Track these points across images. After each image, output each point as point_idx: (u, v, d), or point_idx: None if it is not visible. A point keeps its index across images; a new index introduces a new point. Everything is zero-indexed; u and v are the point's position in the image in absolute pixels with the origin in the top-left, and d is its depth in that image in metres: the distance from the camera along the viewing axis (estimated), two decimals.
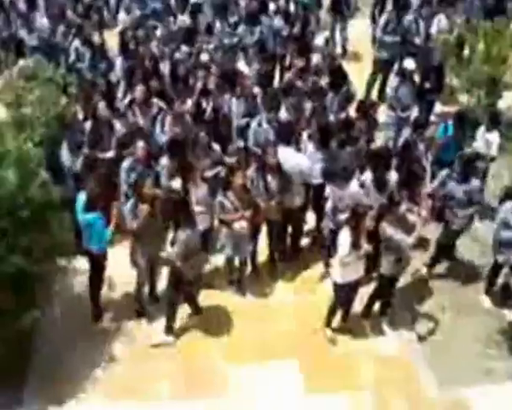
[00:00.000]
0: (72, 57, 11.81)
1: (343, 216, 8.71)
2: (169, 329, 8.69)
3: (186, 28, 12.24)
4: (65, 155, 9.56)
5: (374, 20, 14.95)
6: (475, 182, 9.31)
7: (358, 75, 13.05)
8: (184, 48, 11.73)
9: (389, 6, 14.47)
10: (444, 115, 12.22)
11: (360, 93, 12.41)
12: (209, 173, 9.52)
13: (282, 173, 9.17)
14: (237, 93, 10.64)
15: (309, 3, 14.01)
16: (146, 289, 9.15)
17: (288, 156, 9.24)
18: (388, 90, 12.28)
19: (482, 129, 10.57)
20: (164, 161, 9.37)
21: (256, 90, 10.95)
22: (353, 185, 9.06)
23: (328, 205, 9.13)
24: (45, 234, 7.76)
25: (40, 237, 7.65)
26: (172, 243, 8.23)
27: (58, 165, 9.47)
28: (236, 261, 9.37)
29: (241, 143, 10.44)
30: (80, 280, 8.94)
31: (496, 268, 9.33)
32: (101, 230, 8.31)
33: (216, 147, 9.80)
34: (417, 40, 13.14)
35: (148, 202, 8.40)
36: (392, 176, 9.36)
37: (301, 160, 9.38)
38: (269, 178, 9.12)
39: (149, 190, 8.43)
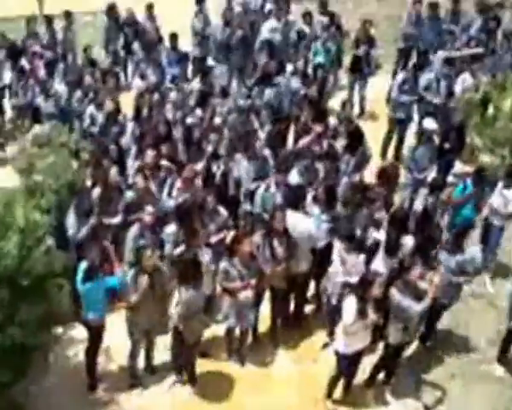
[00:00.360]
0: (87, 122, 11.88)
1: (350, 280, 8.45)
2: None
3: (200, 91, 12.23)
4: (70, 222, 9.49)
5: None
6: (471, 251, 9.05)
7: (375, 134, 12.88)
8: (198, 111, 11.70)
9: (411, 63, 14.32)
10: (463, 175, 11.91)
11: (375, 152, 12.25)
12: (214, 239, 9.34)
13: (289, 239, 8.96)
14: (248, 155, 10.49)
15: (327, 64, 13.96)
16: (141, 361, 8.94)
17: (296, 222, 9.04)
18: (405, 151, 12.06)
19: (500, 185, 10.32)
20: (171, 228, 9.22)
21: (267, 152, 10.81)
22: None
23: (334, 268, 8.87)
24: (43, 303, 7.66)
25: (38, 307, 7.55)
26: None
27: (64, 232, 9.43)
28: (237, 330, 9.12)
29: (247, 208, 10.28)
30: (76, 349, 8.84)
31: (510, 335, 8.92)
32: (100, 299, 8.19)
33: (223, 211, 9.65)
34: (437, 100, 12.86)
35: (148, 274, 8.23)
36: (409, 241, 9.09)
37: (310, 225, 9.15)
38: (275, 243, 8.92)
39: (149, 261, 8.27)
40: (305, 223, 9.13)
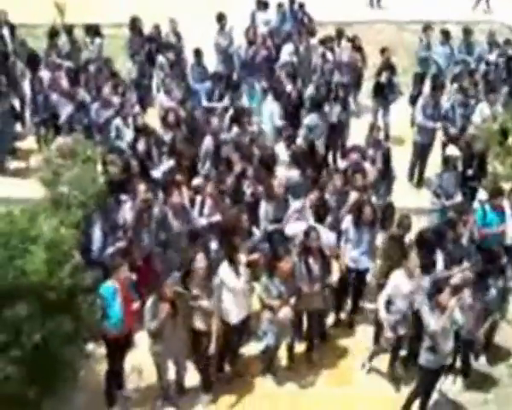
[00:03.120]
0: (113, 134, 11.72)
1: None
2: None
3: (234, 109, 12.18)
4: (95, 238, 9.28)
5: (413, 103, 14.79)
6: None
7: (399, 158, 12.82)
8: (235, 129, 11.65)
9: (426, 88, 14.63)
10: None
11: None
12: (248, 258, 9.15)
13: (324, 257, 8.99)
14: (266, 196, 10.07)
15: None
16: (171, 378, 8.80)
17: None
18: (433, 178, 12.08)
19: None
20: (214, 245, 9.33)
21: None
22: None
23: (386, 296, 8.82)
24: (72, 318, 7.43)
25: (66, 321, 7.32)
26: None
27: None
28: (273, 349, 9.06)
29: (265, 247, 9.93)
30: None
31: None
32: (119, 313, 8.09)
33: (256, 231, 9.58)
34: (453, 130, 13.05)
35: (169, 302, 8.02)
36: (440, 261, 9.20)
37: (330, 235, 9.45)
38: (311, 262, 8.90)
39: (170, 289, 8.05)
40: (326, 234, 9.36)
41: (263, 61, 14.68)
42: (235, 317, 8.61)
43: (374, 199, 10.53)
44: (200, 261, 8.24)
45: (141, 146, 11.00)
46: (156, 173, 10.80)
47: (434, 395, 8.83)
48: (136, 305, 8.32)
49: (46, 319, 7.14)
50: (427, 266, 8.99)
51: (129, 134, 11.65)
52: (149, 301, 8.09)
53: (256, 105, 13.46)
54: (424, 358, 8.30)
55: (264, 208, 9.87)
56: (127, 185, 10.01)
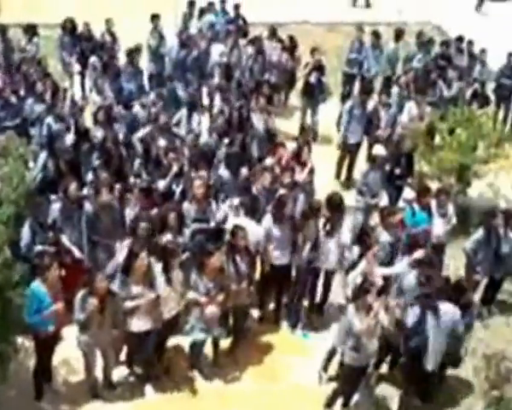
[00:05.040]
0: (44, 132, 11.74)
1: None
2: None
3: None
4: (25, 236, 9.34)
5: (343, 102, 15.11)
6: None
7: (329, 159, 13.37)
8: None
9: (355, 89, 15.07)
10: (412, 201, 12.25)
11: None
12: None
13: (250, 255, 9.19)
14: (189, 198, 10.18)
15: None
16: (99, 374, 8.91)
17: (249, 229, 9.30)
18: (358, 176, 12.44)
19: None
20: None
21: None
22: None
23: None
24: (2, 312, 7.57)
25: None
26: None
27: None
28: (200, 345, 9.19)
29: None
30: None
31: None
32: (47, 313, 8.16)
33: (186, 231, 9.73)
34: (379, 132, 13.41)
35: (98, 297, 8.16)
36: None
37: (258, 230, 9.62)
38: (238, 260, 9.07)
39: (101, 283, 8.19)
40: (254, 228, 9.53)
41: (194, 62, 14.84)
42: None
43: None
44: (142, 259, 8.42)
45: (69, 141, 11.21)
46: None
47: (358, 393, 9.07)
48: (61, 305, 8.28)
49: None
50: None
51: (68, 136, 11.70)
52: (80, 294, 8.18)
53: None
54: (348, 356, 8.52)
55: (186, 208, 9.96)
56: (58, 184, 10.12)
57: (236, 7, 17.57)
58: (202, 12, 17.20)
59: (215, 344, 9.45)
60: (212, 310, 8.72)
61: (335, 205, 9.91)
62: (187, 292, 8.77)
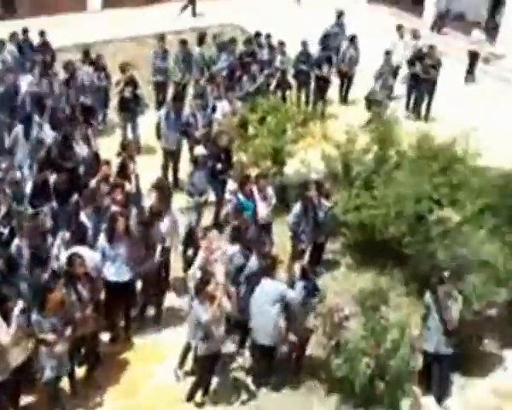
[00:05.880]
0: None
1: None
2: None
3: None
4: None
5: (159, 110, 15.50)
6: None
7: (152, 167, 13.93)
8: None
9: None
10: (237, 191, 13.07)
11: None
12: None
13: (91, 280, 9.26)
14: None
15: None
16: None
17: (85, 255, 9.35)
18: (184, 177, 13.12)
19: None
20: None
21: None
22: None
23: None
24: None
25: None
26: None
27: None
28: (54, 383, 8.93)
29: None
30: None
31: None
32: None
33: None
34: (197, 134, 14.10)
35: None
36: None
37: (93, 254, 9.75)
38: (79, 287, 9.06)
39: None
40: (91, 254, 9.67)
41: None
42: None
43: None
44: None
45: None
46: None
47: (215, 379, 9.69)
48: None
49: None
50: None
51: None
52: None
53: None
54: (200, 348, 9.04)
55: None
56: None
57: (42, 34, 17.49)
58: (3, 43, 16.78)
59: (70, 375, 9.32)
60: (60, 346, 8.62)
61: (162, 186, 10.85)
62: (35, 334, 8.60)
